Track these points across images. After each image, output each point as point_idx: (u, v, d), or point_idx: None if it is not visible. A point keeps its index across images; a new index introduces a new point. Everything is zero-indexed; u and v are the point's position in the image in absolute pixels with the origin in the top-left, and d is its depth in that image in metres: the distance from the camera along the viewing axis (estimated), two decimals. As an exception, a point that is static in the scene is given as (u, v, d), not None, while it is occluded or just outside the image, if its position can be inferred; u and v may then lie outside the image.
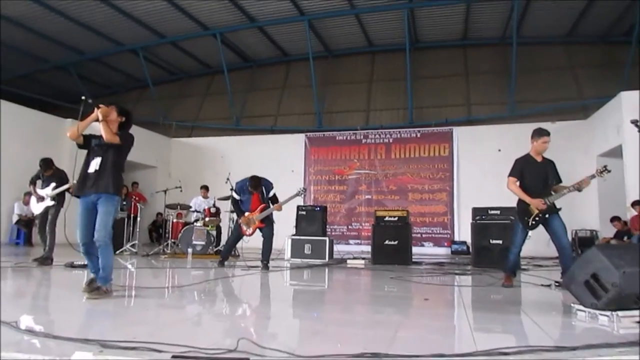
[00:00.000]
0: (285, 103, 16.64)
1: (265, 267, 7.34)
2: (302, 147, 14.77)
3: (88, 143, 4.42)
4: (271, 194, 7.59)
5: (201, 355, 2.33)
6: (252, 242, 7.94)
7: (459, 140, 13.60)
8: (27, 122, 13.00)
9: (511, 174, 5.45)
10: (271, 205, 7.50)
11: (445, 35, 15.20)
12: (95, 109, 4.31)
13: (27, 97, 16.07)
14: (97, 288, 4.14)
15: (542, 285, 5.64)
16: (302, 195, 8.20)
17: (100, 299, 4.05)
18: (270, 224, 7.54)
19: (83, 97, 4.35)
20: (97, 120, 4.31)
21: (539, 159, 5.45)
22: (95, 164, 4.32)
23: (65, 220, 6.30)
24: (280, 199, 7.60)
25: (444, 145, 13.70)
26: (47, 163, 7.39)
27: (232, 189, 7.96)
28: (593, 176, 5.23)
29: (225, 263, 7.76)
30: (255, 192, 7.47)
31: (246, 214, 7.51)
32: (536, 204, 5.22)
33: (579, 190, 5.24)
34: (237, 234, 7.75)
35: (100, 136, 4.34)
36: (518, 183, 5.41)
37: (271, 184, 7.66)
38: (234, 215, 9.76)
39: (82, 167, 4.39)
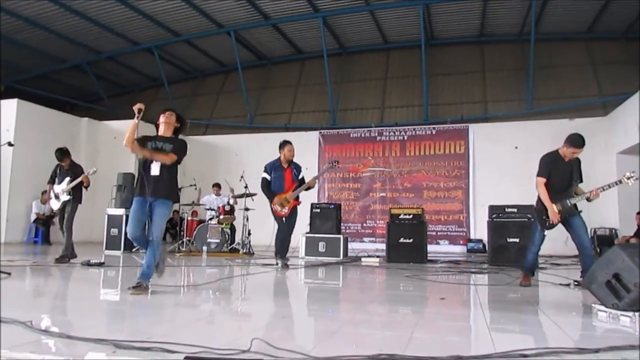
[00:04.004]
0: (300, 101, 16.59)
1: (286, 265, 7.21)
2: (316, 144, 14.70)
3: (143, 145, 4.52)
4: (301, 175, 7.56)
5: (214, 356, 2.31)
6: (266, 239, 7.84)
7: (475, 137, 13.44)
8: (44, 121, 13.18)
9: (540, 174, 5.32)
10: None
11: (462, 32, 15.02)
12: (135, 110, 4.53)
13: (45, 97, 16.26)
14: (146, 288, 4.36)
15: (560, 284, 5.56)
16: (335, 167, 8.35)
17: (140, 294, 4.21)
18: (296, 212, 7.44)
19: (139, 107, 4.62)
20: (135, 119, 4.52)
21: (566, 159, 5.32)
22: (156, 169, 4.48)
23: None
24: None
25: (459, 143, 13.55)
26: (62, 152, 7.30)
27: (265, 171, 7.46)
28: (619, 182, 5.12)
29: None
30: (288, 165, 7.41)
31: (277, 196, 7.24)
32: (551, 213, 5.14)
33: (589, 200, 5.17)
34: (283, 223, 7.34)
35: (155, 137, 4.64)
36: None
37: (300, 167, 7.63)
38: (249, 214, 9.77)
39: (140, 169, 4.51)
